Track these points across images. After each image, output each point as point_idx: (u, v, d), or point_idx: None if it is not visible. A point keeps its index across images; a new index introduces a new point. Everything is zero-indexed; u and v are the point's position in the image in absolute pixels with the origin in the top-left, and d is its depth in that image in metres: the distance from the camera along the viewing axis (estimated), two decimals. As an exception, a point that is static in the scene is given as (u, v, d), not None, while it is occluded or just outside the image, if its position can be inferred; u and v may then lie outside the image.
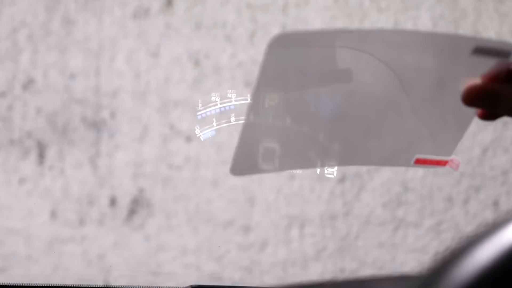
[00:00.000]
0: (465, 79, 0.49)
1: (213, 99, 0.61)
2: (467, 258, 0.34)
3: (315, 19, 1.38)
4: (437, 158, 0.57)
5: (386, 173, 1.38)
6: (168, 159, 1.44)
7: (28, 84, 1.49)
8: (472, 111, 0.53)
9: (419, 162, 0.57)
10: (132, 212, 1.46)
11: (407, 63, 0.52)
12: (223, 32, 1.43)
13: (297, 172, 0.63)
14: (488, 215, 1.33)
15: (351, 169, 1.36)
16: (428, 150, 0.56)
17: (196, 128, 0.59)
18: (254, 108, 0.52)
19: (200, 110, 0.59)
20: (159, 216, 1.44)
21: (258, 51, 1.40)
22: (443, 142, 0.55)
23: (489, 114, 0.52)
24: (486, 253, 0.34)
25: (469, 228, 1.33)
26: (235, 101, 0.58)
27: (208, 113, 0.59)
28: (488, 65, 0.50)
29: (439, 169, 1.35)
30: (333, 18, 1.37)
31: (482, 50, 0.49)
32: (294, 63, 0.51)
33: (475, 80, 0.50)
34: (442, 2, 1.33)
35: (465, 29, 1.32)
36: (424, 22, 1.34)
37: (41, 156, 1.48)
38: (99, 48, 1.48)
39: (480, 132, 1.40)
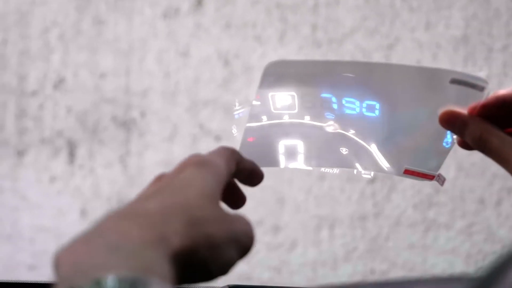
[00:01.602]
0: (446, 104, 0.56)
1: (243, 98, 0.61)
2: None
3: (345, 19, 1.37)
4: (425, 172, 0.61)
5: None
6: (197, 158, 1.44)
7: (59, 83, 1.50)
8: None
9: (408, 172, 0.61)
10: (161, 211, 1.46)
11: (394, 92, 0.58)
12: (253, 32, 1.43)
13: (328, 172, 0.64)
14: (521, 217, 1.32)
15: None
16: (417, 164, 0.61)
17: (233, 127, 0.60)
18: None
19: (235, 110, 0.60)
20: (189, 216, 1.45)
21: (288, 51, 1.40)
22: (431, 158, 0.61)
23: (465, 143, 0.57)
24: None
25: (501, 230, 1.31)
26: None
27: (240, 113, 0.61)
28: (467, 95, 0.56)
29: (471, 170, 1.33)
30: (364, 18, 1.36)
31: (459, 81, 0.55)
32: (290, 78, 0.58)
33: (453, 106, 0.56)
34: (475, 1, 1.32)
35: (498, 28, 1.31)
36: (456, 22, 1.32)
37: (72, 155, 1.48)
38: (129, 48, 1.48)
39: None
